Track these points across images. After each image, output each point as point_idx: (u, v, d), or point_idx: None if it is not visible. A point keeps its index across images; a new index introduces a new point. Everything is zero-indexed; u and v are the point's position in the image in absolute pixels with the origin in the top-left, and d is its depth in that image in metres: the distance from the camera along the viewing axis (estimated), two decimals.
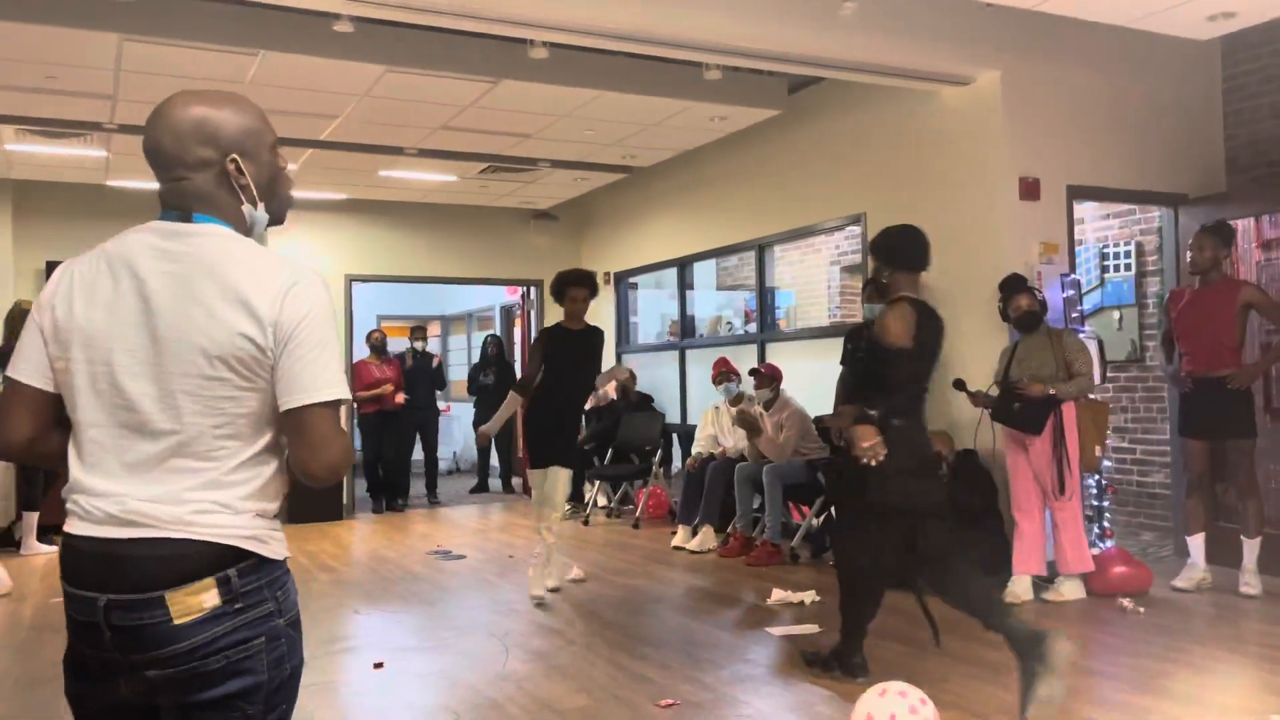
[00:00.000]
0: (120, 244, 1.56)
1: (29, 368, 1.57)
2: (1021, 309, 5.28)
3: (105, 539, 1.48)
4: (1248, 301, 5.19)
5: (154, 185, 1.62)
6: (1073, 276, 5.81)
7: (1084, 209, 7.09)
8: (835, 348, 6.59)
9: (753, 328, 8.51)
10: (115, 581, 1.47)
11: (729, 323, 9.25)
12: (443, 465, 11.43)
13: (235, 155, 1.58)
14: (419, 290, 12.54)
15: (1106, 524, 5.58)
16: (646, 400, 9.03)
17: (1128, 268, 7.17)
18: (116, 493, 1.49)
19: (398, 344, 10.27)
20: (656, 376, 9.37)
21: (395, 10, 4.83)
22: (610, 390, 9.31)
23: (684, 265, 9.08)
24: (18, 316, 6.85)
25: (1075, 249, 6.10)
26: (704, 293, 9.82)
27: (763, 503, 6.66)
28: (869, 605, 4.00)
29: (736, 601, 5.51)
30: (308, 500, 8.79)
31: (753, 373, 7.08)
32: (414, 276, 10.27)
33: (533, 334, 10.56)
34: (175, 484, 1.49)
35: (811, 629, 4.75)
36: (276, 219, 1.68)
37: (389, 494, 9.61)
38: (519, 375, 9.60)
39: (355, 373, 9.45)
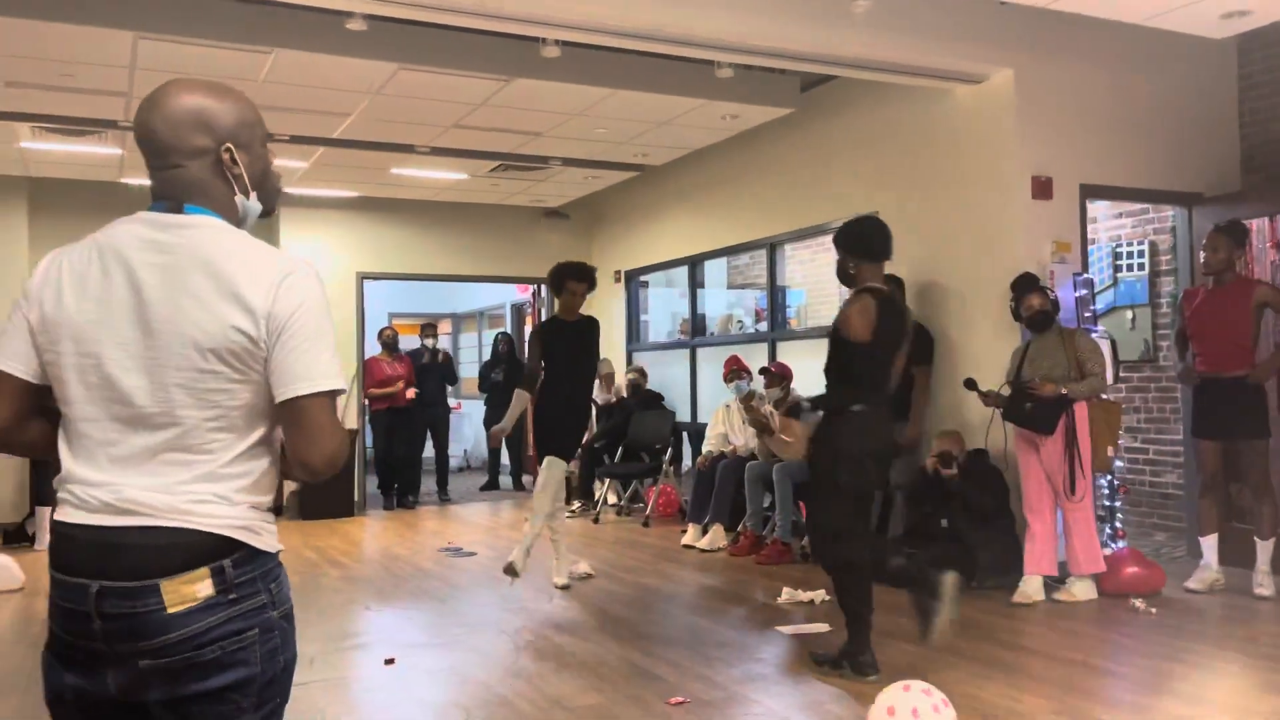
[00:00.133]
0: (110, 235, 1.55)
1: (10, 356, 1.55)
2: (1034, 308, 5.27)
3: (100, 526, 1.47)
4: (1262, 301, 5.16)
5: None
6: (1085, 276, 5.79)
7: (1097, 208, 7.06)
8: None
9: (763, 326, 8.50)
10: (109, 569, 1.46)
11: (740, 321, 9.24)
12: (453, 462, 11.46)
13: (230, 145, 1.57)
14: (430, 288, 12.57)
15: (1119, 524, 5.56)
16: (657, 398, 9.03)
17: (1141, 267, 7.13)
18: (111, 482, 1.48)
19: (409, 341, 10.29)
20: (667, 375, 9.37)
21: (408, 8, 4.84)
22: (616, 386, 9.33)
23: (695, 264, 9.08)
24: None
25: (1088, 248, 6.08)
26: (715, 291, 9.82)
27: (773, 501, 6.66)
28: (864, 592, 4.02)
29: (747, 600, 5.51)
30: (319, 497, 8.83)
31: (763, 371, 7.08)
32: (425, 274, 10.30)
33: None
34: (170, 476, 1.48)
35: (822, 628, 4.74)
36: (266, 210, 1.67)
37: (400, 491, 9.64)
38: None
39: (367, 370, 9.48)
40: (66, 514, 1.51)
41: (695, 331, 9.17)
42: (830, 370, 4.16)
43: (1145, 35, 5.94)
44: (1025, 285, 5.35)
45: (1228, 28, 5.91)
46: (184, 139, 1.55)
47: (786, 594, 5.37)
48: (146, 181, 1.62)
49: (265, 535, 1.55)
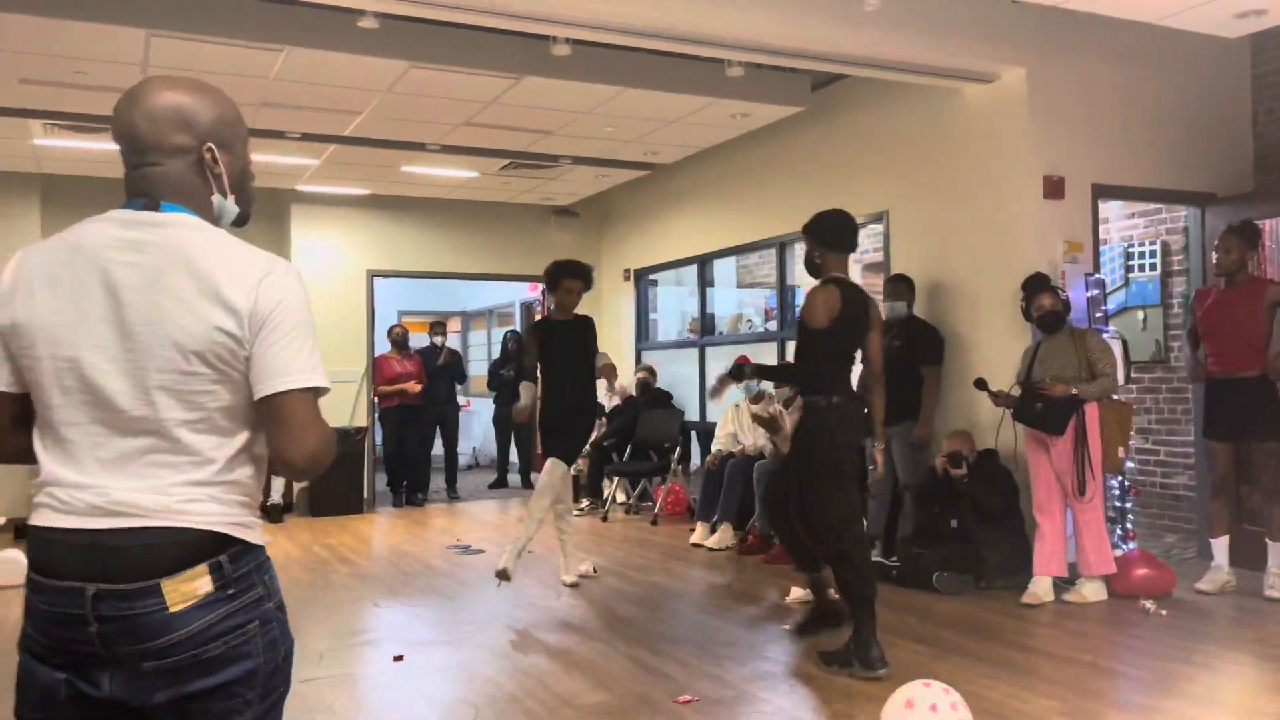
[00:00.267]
0: (81, 234, 1.51)
1: None
2: (1044, 308, 5.25)
3: (91, 530, 1.44)
4: (1275, 301, 5.13)
5: None
6: (1097, 276, 5.76)
7: (1109, 208, 7.03)
8: None
9: (773, 325, 8.49)
10: (106, 571, 1.43)
11: (749, 320, 9.23)
12: (462, 460, 11.48)
13: (212, 144, 1.55)
14: (439, 286, 12.60)
15: (1129, 525, 5.54)
16: (666, 397, 9.04)
17: (1153, 267, 7.10)
18: (97, 485, 1.46)
19: (418, 339, 10.31)
20: (676, 374, 9.37)
21: (419, 6, 4.85)
22: (613, 383, 9.31)
23: (704, 262, 9.07)
24: None
25: (1100, 248, 6.06)
26: (724, 290, 9.81)
27: None
28: (867, 581, 4.05)
29: (755, 599, 5.50)
30: (328, 494, 8.86)
31: None
32: (435, 272, 10.32)
33: None
34: (160, 478, 1.47)
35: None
36: (243, 215, 1.64)
37: (409, 488, 9.66)
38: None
39: (377, 367, 9.50)
40: (49, 519, 1.47)
41: (704, 330, 9.16)
42: (798, 360, 4.29)
43: (1158, 34, 5.91)
44: (1036, 285, 5.33)
45: (1242, 27, 5.88)
46: (166, 136, 1.52)
47: (795, 593, 5.36)
48: None
49: (255, 529, 1.55)
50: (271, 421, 1.50)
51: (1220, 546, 5.27)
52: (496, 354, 11.44)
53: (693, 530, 7.29)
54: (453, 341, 11.59)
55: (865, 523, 6.13)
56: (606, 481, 8.96)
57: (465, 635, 4.83)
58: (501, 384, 10.50)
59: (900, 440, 5.99)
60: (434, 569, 6.46)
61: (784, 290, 8.07)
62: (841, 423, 4.12)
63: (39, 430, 1.53)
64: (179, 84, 1.56)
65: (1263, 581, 5.11)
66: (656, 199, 9.52)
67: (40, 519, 1.49)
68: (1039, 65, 5.72)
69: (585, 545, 6.91)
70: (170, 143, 1.53)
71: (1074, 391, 5.07)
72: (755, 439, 7.22)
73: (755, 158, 8.04)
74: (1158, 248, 7.06)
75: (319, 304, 9.53)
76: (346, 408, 9.39)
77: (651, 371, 9.23)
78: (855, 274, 9.23)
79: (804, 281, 9.12)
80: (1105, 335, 5.47)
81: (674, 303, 10.21)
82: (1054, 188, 5.71)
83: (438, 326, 10.22)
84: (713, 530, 7.05)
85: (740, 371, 4.45)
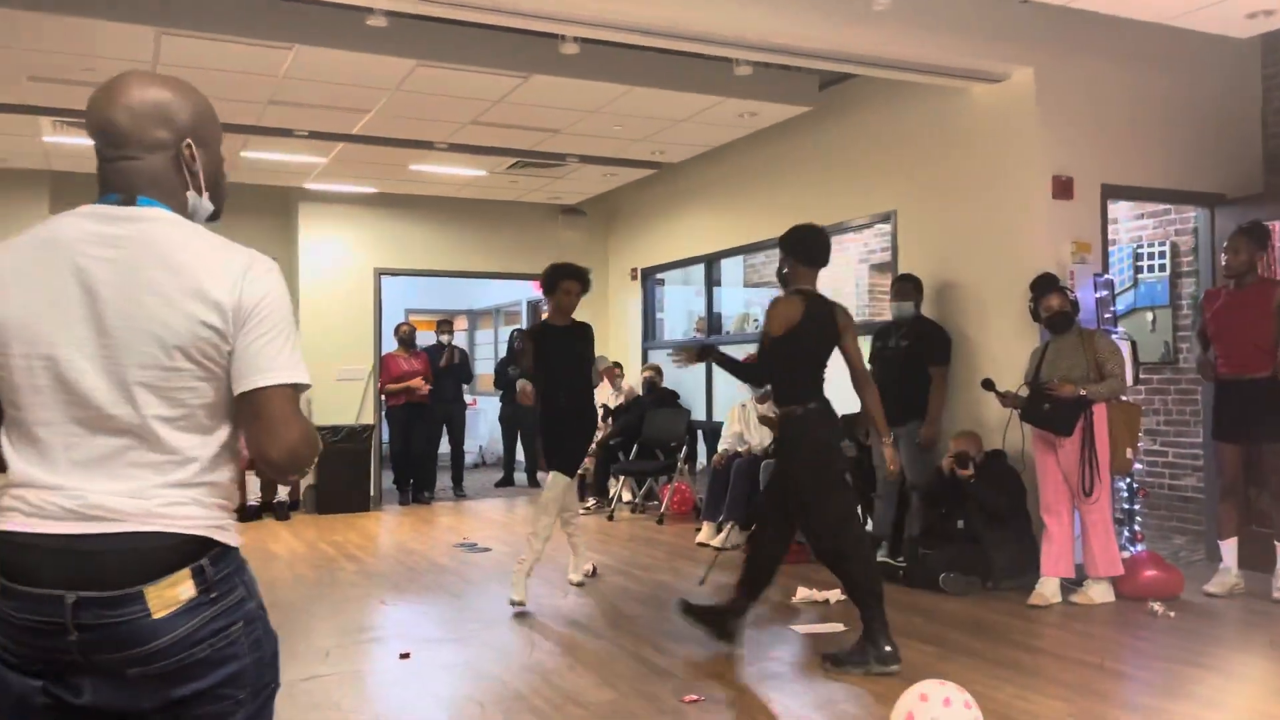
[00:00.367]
0: (54, 229, 1.48)
1: None
2: (1053, 309, 5.24)
3: (68, 535, 1.41)
4: None
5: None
6: (1106, 277, 5.74)
7: (1118, 208, 7.01)
8: (863, 346, 6.54)
9: None
10: (86, 578, 1.40)
11: (756, 320, 9.22)
12: (468, 458, 11.50)
13: (190, 140, 1.54)
14: (446, 284, 12.60)
15: (1137, 527, 5.53)
16: (672, 396, 9.04)
17: (1162, 268, 7.08)
18: (71, 487, 1.42)
19: (425, 338, 10.32)
20: (682, 373, 9.36)
21: (428, 5, 4.86)
22: (630, 387, 9.32)
23: (711, 261, 9.07)
24: None
25: (1109, 249, 6.04)
26: (731, 289, 9.80)
27: None
28: (871, 575, 4.10)
29: (761, 599, 5.49)
30: (335, 491, 8.88)
31: None
32: (442, 271, 10.32)
33: None
34: (139, 479, 1.44)
35: (836, 628, 4.73)
36: (216, 212, 1.62)
37: (415, 486, 9.67)
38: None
39: (384, 365, 9.52)
40: (20, 523, 1.43)
41: (711, 330, 9.15)
42: (765, 366, 4.42)
43: (1168, 34, 5.89)
44: (1045, 286, 5.32)
45: (1252, 27, 5.86)
46: (145, 131, 1.51)
47: (801, 593, 5.37)
48: None
49: (232, 531, 1.53)
50: (253, 417, 1.48)
51: (1229, 549, 5.25)
52: (503, 352, 11.45)
53: (699, 529, 7.29)
54: (459, 340, 11.60)
55: (864, 517, 6.20)
56: (613, 480, 8.97)
57: (472, 633, 4.83)
58: (508, 383, 10.46)
59: (907, 440, 5.98)
60: (440, 567, 6.47)
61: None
62: (818, 428, 4.20)
63: (7, 430, 1.49)
64: (159, 80, 1.55)
65: (1271, 584, 5.09)
66: (664, 198, 9.52)
67: (9, 523, 1.44)
68: (1048, 65, 5.71)
69: (591, 544, 6.90)
70: (150, 137, 1.51)
71: (1082, 392, 5.06)
72: (761, 438, 7.22)
73: (763, 157, 8.03)
74: (1167, 248, 7.04)
75: (326, 302, 9.50)
76: (353, 406, 9.40)
77: (658, 371, 9.22)
78: (862, 274, 9.32)
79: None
80: (1114, 336, 5.45)
81: (681, 302, 10.21)
82: (1063, 188, 5.70)
83: (444, 325, 10.23)
84: (719, 529, 7.05)
85: (705, 352, 4.56)
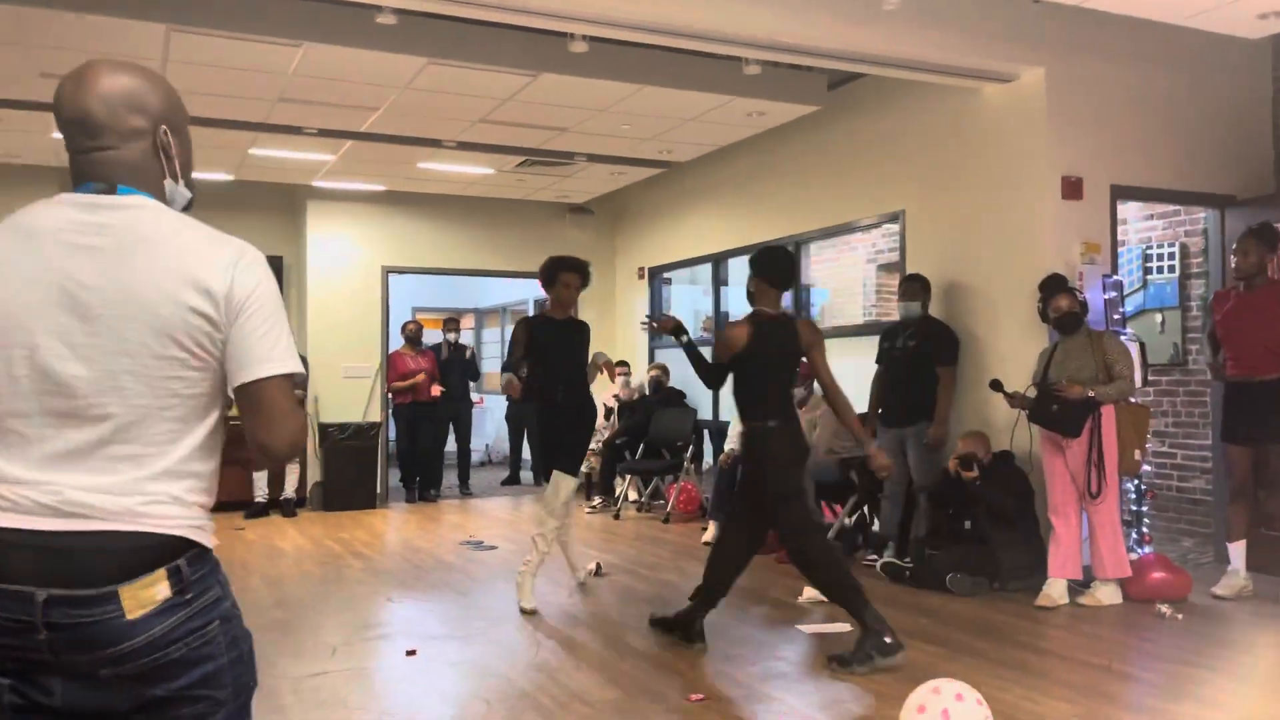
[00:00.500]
0: (33, 217, 1.46)
1: None
2: (1062, 310, 5.22)
3: (42, 531, 1.38)
4: None
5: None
6: (1115, 278, 5.73)
7: (1127, 209, 6.98)
8: (870, 346, 6.55)
9: None
10: (59, 576, 1.36)
11: None
12: (475, 456, 11.51)
13: (165, 126, 1.53)
14: (454, 283, 12.61)
15: (1145, 529, 5.51)
16: (679, 396, 9.03)
17: (1171, 270, 7.05)
18: (47, 481, 1.39)
19: (432, 336, 10.34)
20: (689, 372, 9.29)
21: (437, 3, 4.87)
22: (639, 384, 9.32)
23: (719, 261, 9.06)
24: None
25: (1118, 250, 6.02)
26: (739, 289, 9.75)
27: None
28: (840, 575, 4.18)
29: (767, 598, 5.50)
30: (341, 489, 8.91)
31: None
32: (449, 269, 10.34)
33: None
34: (118, 473, 1.41)
35: (842, 628, 4.72)
36: (190, 200, 1.60)
37: (422, 484, 9.69)
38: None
39: (391, 363, 9.54)
40: None
41: (719, 329, 9.14)
42: (719, 379, 4.60)
43: (1179, 35, 5.87)
44: (1054, 286, 5.30)
45: (1263, 28, 5.83)
46: (121, 119, 1.49)
47: (807, 593, 5.35)
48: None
49: (210, 531, 1.52)
50: (252, 410, 1.47)
51: (1237, 551, 5.23)
52: (509, 351, 11.44)
53: (705, 529, 7.29)
54: (466, 338, 11.61)
55: (870, 518, 6.46)
56: (619, 479, 8.97)
57: (478, 630, 4.84)
58: None
59: (915, 441, 5.97)
60: (447, 564, 6.48)
61: (798, 290, 8.05)
62: (777, 445, 4.28)
63: None
64: (125, 67, 1.53)
65: None
66: (671, 197, 9.52)
67: None
68: (1058, 65, 5.69)
69: (597, 543, 6.92)
70: (126, 125, 1.49)
71: (1090, 393, 5.05)
72: None
73: (771, 157, 8.02)
74: (1176, 249, 7.02)
75: (333, 300, 9.52)
76: (360, 403, 9.42)
77: (665, 370, 9.22)
78: (870, 274, 9.31)
79: (818, 281, 9.18)
80: (1123, 337, 5.44)
81: (688, 301, 10.19)
82: (1072, 188, 5.68)
83: (451, 323, 10.24)
84: None
85: (678, 330, 4.79)
